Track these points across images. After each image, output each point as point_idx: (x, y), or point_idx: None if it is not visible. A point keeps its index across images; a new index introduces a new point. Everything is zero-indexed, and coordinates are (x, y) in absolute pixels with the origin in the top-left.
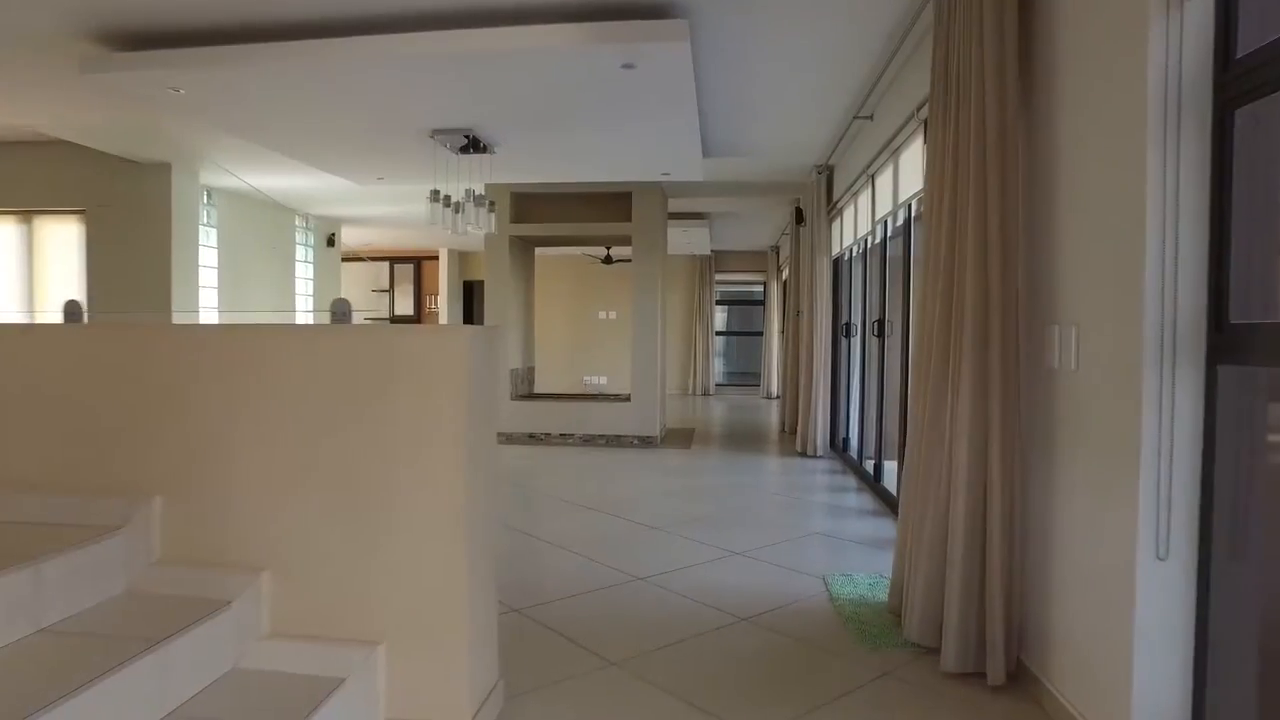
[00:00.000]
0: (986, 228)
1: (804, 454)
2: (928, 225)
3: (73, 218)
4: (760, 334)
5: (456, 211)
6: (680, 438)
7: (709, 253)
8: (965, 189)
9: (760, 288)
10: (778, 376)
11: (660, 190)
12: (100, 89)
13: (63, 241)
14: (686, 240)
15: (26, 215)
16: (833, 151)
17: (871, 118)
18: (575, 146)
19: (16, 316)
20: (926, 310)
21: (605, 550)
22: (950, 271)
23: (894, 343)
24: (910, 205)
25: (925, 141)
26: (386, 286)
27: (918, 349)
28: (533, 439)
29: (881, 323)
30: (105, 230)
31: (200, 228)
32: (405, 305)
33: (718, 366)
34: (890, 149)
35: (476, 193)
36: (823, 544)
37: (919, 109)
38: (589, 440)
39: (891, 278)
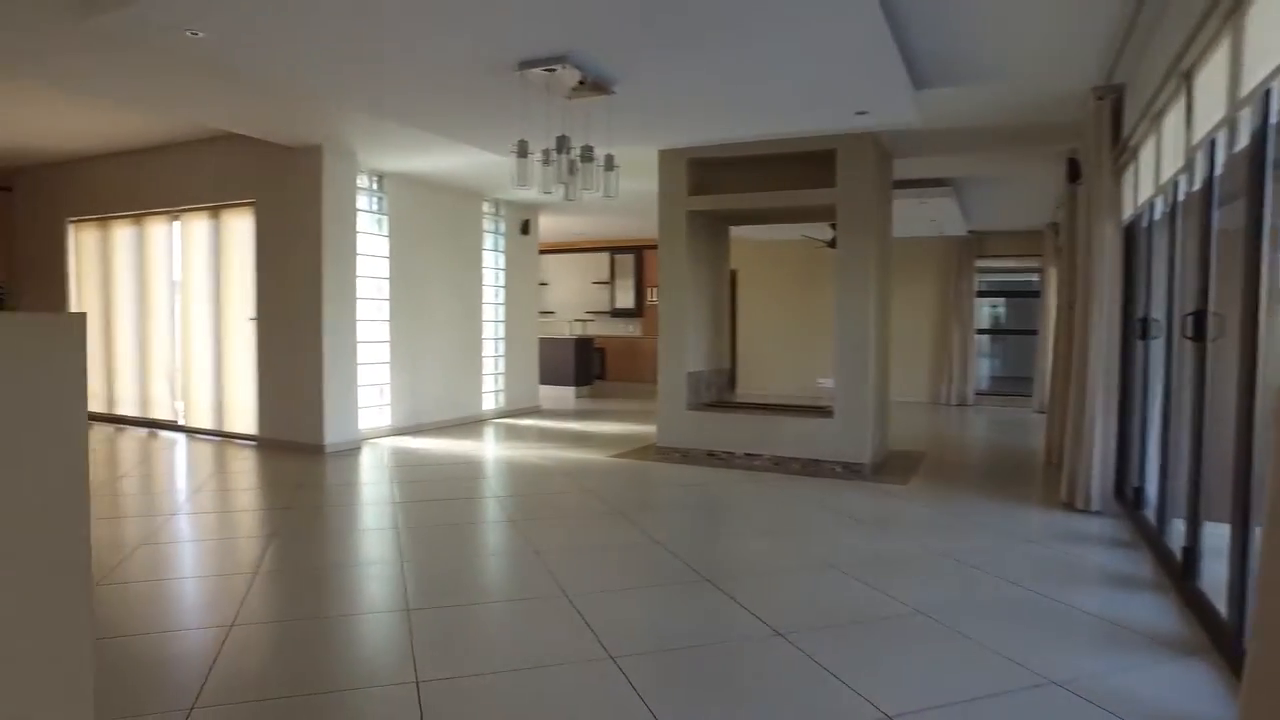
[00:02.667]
0: None
1: (1070, 506)
2: None
3: (248, 209)
4: (1035, 333)
5: (548, 163)
6: (901, 466)
7: (965, 233)
8: None
9: (1036, 276)
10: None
11: (876, 146)
12: (112, 41)
13: (242, 234)
14: (928, 215)
15: (215, 210)
16: (1118, 57)
17: None
18: (720, 78)
19: (205, 315)
20: None
21: (669, 682)
22: None
23: (1224, 347)
24: (1270, 92)
25: None
26: (607, 278)
27: None
28: (712, 458)
29: (1202, 317)
30: (270, 220)
31: (367, 215)
32: (626, 298)
33: (980, 371)
34: (1223, 9)
35: (574, 144)
36: (1069, 717)
37: None
38: (780, 463)
39: (1223, 243)
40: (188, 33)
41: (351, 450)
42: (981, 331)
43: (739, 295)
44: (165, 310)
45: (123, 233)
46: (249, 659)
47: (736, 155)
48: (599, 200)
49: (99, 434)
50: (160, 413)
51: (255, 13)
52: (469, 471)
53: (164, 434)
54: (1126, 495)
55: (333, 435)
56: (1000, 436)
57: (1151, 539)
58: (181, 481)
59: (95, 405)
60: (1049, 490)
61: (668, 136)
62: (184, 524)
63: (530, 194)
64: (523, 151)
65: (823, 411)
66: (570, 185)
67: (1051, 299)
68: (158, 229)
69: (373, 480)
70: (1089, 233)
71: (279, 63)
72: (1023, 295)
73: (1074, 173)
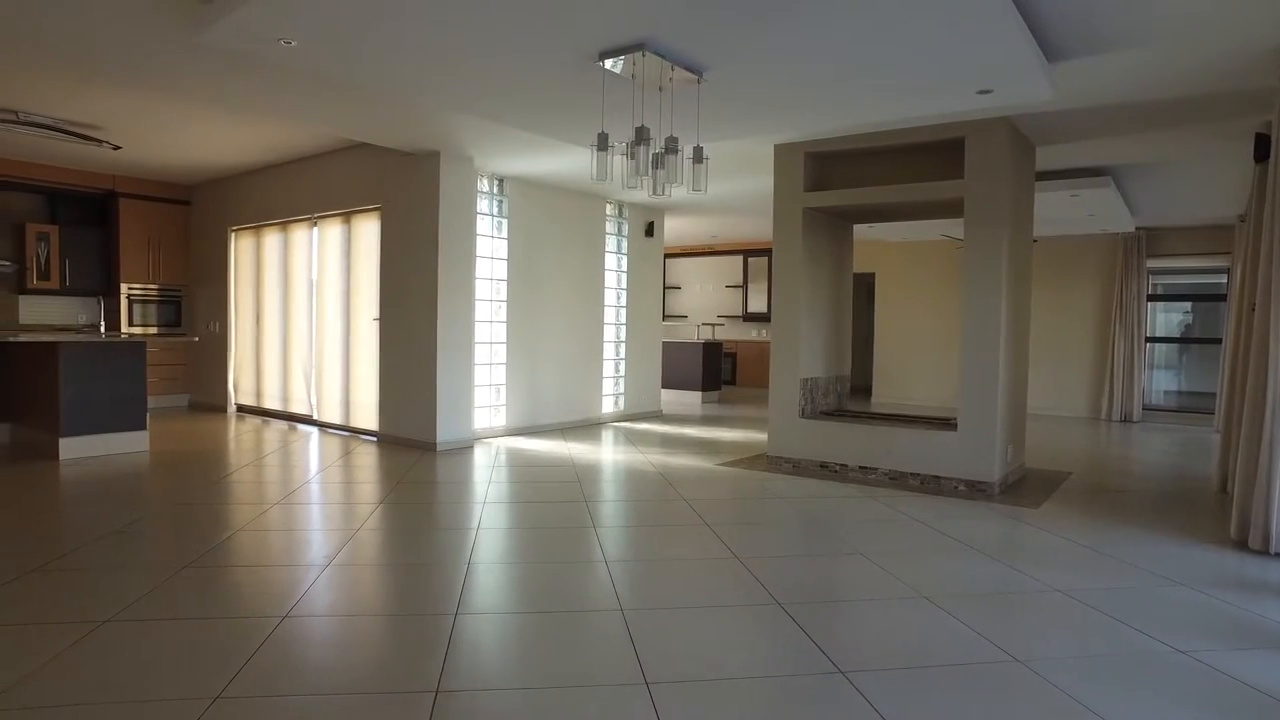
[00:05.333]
0: None
1: (1242, 545)
2: None
3: (374, 214)
4: (1220, 341)
5: (630, 156)
6: (1038, 486)
7: (1132, 229)
8: None
9: (1223, 277)
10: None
11: (1011, 132)
12: (216, 54)
13: (370, 237)
14: (1084, 210)
15: (347, 215)
16: None
17: None
18: (820, 55)
19: (336, 315)
20: None
21: (697, 719)
22: None
23: None
24: None
25: None
26: (740, 281)
27: None
28: (824, 470)
29: None
30: (393, 224)
31: (487, 218)
32: (759, 302)
33: (1153, 384)
34: None
35: (670, 139)
36: None
37: None
38: (896, 479)
39: None
40: (281, 42)
41: (464, 449)
42: (1153, 339)
43: (877, 299)
44: (304, 310)
45: (271, 238)
46: (285, 653)
47: (857, 148)
48: (727, 201)
49: (247, 425)
50: (298, 407)
51: (342, 20)
52: (570, 474)
53: (301, 428)
54: None
55: (445, 433)
56: (1167, 458)
57: None
58: (296, 474)
59: (245, 399)
60: (1218, 525)
61: (773, 128)
62: (283, 513)
63: (655, 195)
64: (602, 145)
65: (945, 423)
66: (656, 180)
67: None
68: (299, 234)
69: (472, 479)
70: (1275, 218)
71: (368, 67)
72: (1208, 299)
73: (1262, 150)
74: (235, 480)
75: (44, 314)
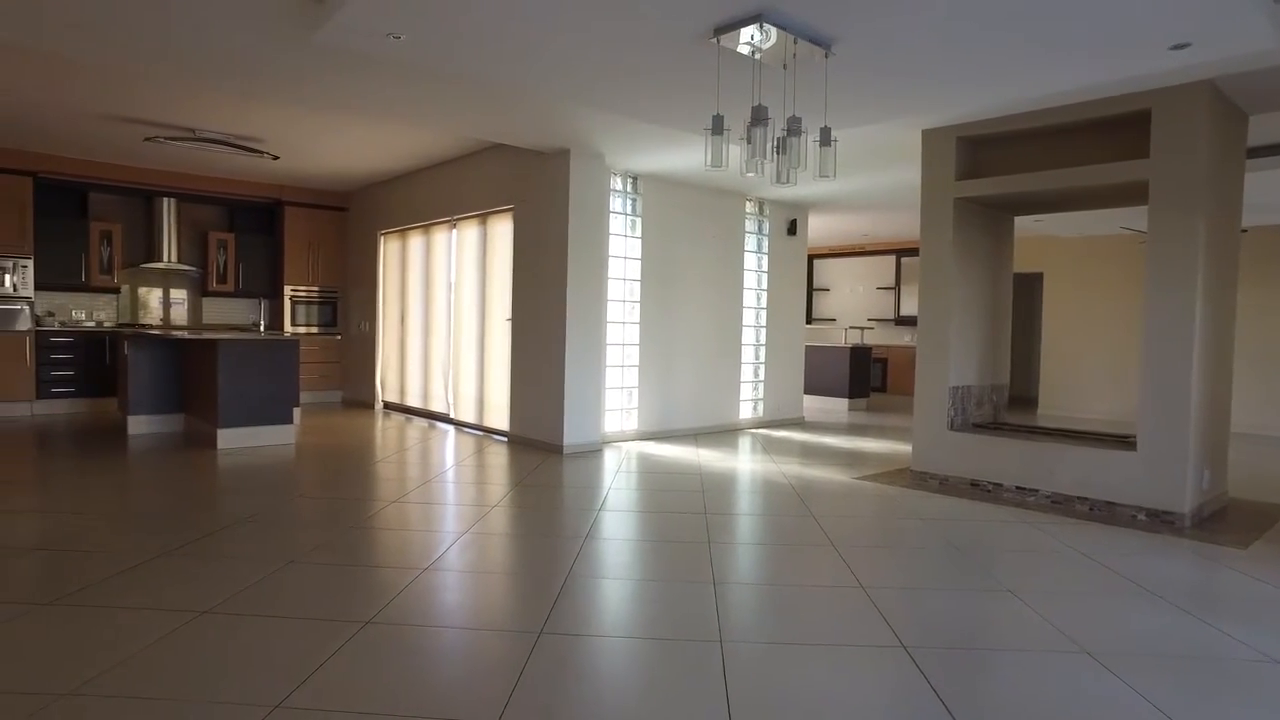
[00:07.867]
0: None
1: None
2: None
3: (508, 214)
4: None
5: (748, 140)
6: (1244, 521)
7: None
8: None
9: None
10: None
11: (1213, 98)
12: (338, 59)
13: (504, 238)
14: None
15: (483, 217)
16: None
17: None
18: (971, 14)
19: (472, 315)
20: None
21: None
22: None
23: None
24: None
25: None
26: (892, 283)
27: None
28: (975, 489)
29: None
30: (525, 224)
31: (620, 217)
32: (912, 305)
33: None
34: None
35: (771, 116)
36: None
37: None
38: (1060, 503)
39: None
40: (390, 36)
41: (592, 452)
42: None
43: (1045, 301)
44: (443, 310)
45: (415, 241)
46: (356, 663)
47: (1017, 129)
48: (875, 196)
49: (390, 422)
50: (437, 406)
51: (449, 12)
52: (695, 483)
53: (439, 426)
54: None
55: (572, 436)
56: None
57: None
58: (420, 472)
59: (391, 396)
60: None
61: (916, 109)
62: (398, 511)
63: (798, 191)
64: (717, 128)
65: (1123, 441)
66: (778, 165)
67: None
68: (440, 236)
69: (592, 485)
70: None
71: (471, 56)
72: None
73: None
74: (362, 476)
75: (222, 314)
